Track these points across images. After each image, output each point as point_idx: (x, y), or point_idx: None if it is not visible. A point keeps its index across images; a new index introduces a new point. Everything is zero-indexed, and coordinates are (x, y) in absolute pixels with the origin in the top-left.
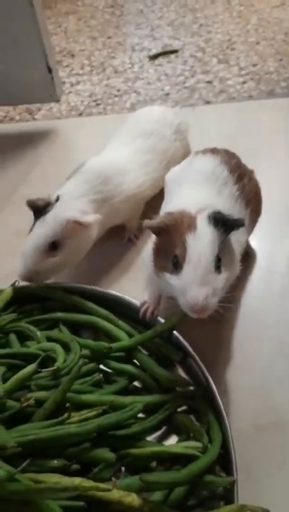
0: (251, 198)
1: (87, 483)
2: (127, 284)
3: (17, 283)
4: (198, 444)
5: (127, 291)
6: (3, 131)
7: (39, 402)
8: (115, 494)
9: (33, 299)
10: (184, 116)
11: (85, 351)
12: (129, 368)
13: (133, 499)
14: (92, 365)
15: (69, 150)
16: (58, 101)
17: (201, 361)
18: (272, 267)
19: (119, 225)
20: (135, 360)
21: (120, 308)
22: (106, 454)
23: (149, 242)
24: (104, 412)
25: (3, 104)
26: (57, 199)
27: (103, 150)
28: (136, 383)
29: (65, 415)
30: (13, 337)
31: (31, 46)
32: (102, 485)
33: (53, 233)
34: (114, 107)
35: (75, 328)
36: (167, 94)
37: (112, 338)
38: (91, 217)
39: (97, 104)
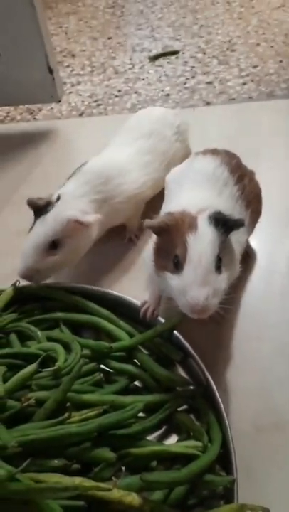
0: (251, 198)
1: (87, 482)
2: (127, 284)
3: (18, 283)
4: (199, 444)
5: (127, 291)
6: (4, 131)
7: (40, 402)
8: (116, 494)
9: (33, 299)
10: (184, 117)
11: (86, 351)
12: (129, 367)
13: (133, 499)
14: (92, 364)
15: (69, 150)
16: (58, 101)
17: (201, 361)
18: (273, 267)
19: (120, 225)
20: (136, 360)
21: (121, 308)
22: (106, 453)
23: (150, 242)
24: (105, 412)
25: (4, 105)
26: (58, 198)
27: (104, 150)
28: (136, 383)
29: (66, 415)
30: (13, 337)
31: (32, 46)
32: (102, 484)
33: (53, 232)
34: (114, 108)
35: (76, 328)
36: (168, 94)
37: (112, 337)
38: (92, 217)
39: (98, 105)
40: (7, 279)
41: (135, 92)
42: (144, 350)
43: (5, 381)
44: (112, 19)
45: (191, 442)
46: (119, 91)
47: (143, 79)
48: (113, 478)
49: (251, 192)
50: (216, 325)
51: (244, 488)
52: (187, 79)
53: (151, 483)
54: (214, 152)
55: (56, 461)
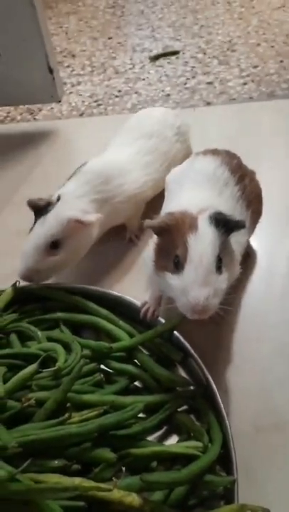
0: (252, 198)
1: (87, 483)
2: (128, 285)
3: (18, 283)
4: (199, 444)
5: (128, 291)
6: (4, 131)
7: (40, 402)
8: (116, 494)
9: (33, 299)
10: (184, 118)
11: (86, 351)
12: (129, 367)
13: (134, 499)
14: (93, 365)
15: (70, 150)
16: (58, 101)
17: (201, 361)
18: (273, 267)
19: (121, 225)
20: (136, 360)
21: (121, 308)
22: (107, 454)
23: (150, 242)
24: (105, 412)
25: (4, 105)
26: (58, 199)
27: (104, 151)
28: (137, 383)
29: (66, 415)
30: (14, 337)
31: (32, 46)
32: (102, 485)
33: (53, 232)
34: (115, 108)
35: (76, 328)
36: (168, 95)
37: (112, 338)
38: (93, 216)
39: (98, 105)
40: (7, 279)
41: (135, 92)
42: (144, 351)
43: (5, 381)
44: (112, 19)
45: (192, 443)
46: (119, 91)
47: (143, 79)
48: (113, 478)
49: (252, 192)
50: (216, 325)
51: (243, 488)
52: (187, 79)
53: (151, 483)
54: (215, 152)
55: (56, 462)
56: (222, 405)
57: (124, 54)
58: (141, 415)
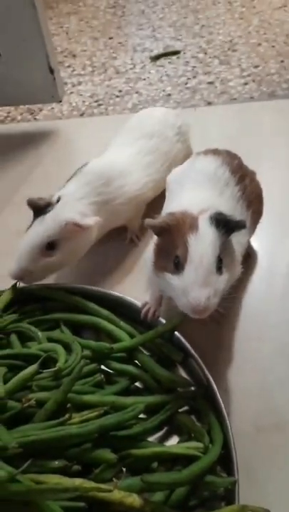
0: (253, 199)
1: (88, 484)
2: (128, 285)
3: (18, 284)
4: (200, 445)
5: (128, 292)
6: (5, 131)
7: (40, 403)
8: (116, 495)
9: (34, 300)
10: (185, 118)
11: (86, 352)
12: (130, 368)
13: (134, 500)
14: (93, 365)
15: (70, 150)
16: (59, 101)
17: (202, 362)
18: (274, 267)
19: (121, 225)
20: (136, 361)
21: (121, 308)
22: (107, 454)
23: (151, 242)
24: (106, 413)
25: (5, 105)
26: (58, 200)
27: (105, 151)
28: (137, 384)
29: (66, 416)
30: (14, 338)
31: (33, 47)
32: (103, 486)
33: (50, 233)
34: (115, 108)
35: (77, 328)
36: (169, 94)
37: (113, 338)
38: (91, 220)
39: (99, 105)
40: (7, 280)
41: (136, 92)
42: (144, 351)
43: (5, 382)
44: (113, 19)
45: (192, 443)
46: (120, 91)
47: (144, 79)
48: (114, 479)
49: (252, 192)
50: (216, 325)
51: (244, 488)
52: (188, 79)
53: (152, 484)
54: (215, 152)
55: (57, 462)
56: (223, 406)
57: (125, 54)
58: (141, 416)
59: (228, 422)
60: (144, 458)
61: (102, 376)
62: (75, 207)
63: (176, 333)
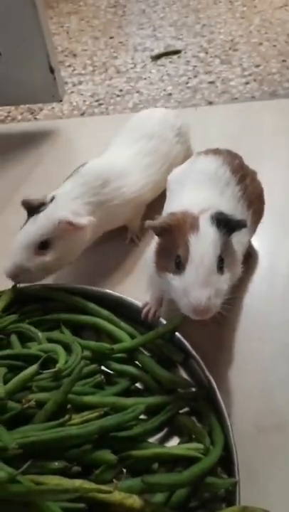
0: (254, 198)
1: (88, 485)
2: (129, 286)
3: (18, 284)
4: (200, 446)
5: (129, 292)
6: (5, 131)
7: (40, 404)
8: (117, 496)
9: (34, 300)
10: (186, 117)
11: (87, 352)
12: (130, 369)
13: (134, 501)
14: (93, 366)
15: (71, 150)
16: (60, 101)
17: (202, 362)
18: (275, 267)
19: (122, 226)
20: (137, 362)
21: (122, 309)
22: (107, 455)
23: (152, 242)
24: (106, 414)
25: (5, 104)
26: (51, 199)
27: (104, 152)
28: (138, 385)
29: (67, 417)
30: (14, 338)
31: (33, 46)
32: (103, 487)
33: (44, 231)
34: (116, 107)
35: (77, 329)
36: (170, 94)
37: (113, 339)
38: (85, 220)
39: (99, 104)
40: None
41: (137, 92)
42: (145, 352)
43: (5, 382)
44: (113, 18)
45: (193, 444)
46: (120, 90)
47: (145, 78)
48: (114, 480)
49: (253, 192)
50: (217, 326)
51: (245, 488)
52: (189, 78)
53: (152, 485)
54: (216, 152)
55: (57, 463)
56: (223, 406)
57: (126, 53)
58: (142, 417)
59: (228, 423)
60: (144, 459)
61: (103, 377)
62: (68, 206)
63: (176, 333)
